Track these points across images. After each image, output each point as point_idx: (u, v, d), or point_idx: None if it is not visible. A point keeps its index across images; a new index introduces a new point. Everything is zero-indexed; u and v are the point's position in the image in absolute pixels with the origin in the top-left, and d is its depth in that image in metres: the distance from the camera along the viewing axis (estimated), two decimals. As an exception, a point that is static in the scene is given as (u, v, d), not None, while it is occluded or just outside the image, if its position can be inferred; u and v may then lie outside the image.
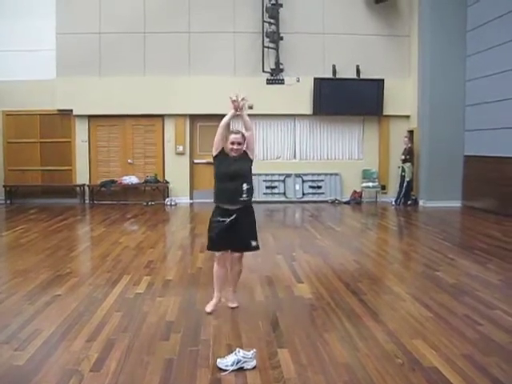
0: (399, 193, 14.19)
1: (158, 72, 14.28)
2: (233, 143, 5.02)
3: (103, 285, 6.17)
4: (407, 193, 14.11)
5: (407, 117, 14.87)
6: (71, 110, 14.45)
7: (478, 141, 12.92)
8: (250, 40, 14.30)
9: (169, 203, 14.36)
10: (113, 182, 14.55)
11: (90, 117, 14.67)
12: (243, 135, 5.09)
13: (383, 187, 15.02)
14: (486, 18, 12.42)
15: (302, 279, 6.46)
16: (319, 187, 14.99)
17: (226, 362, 3.85)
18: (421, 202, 13.98)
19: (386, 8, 14.54)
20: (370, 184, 14.90)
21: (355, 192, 14.86)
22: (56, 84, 14.22)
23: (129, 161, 14.89)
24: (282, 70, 14.27)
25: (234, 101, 5.03)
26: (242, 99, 5.03)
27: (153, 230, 10.36)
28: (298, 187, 14.91)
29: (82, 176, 14.75)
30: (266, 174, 14.72)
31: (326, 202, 14.74)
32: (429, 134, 13.73)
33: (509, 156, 11.59)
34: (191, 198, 14.90)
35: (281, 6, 14.09)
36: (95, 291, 5.90)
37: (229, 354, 3.95)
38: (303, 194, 14.94)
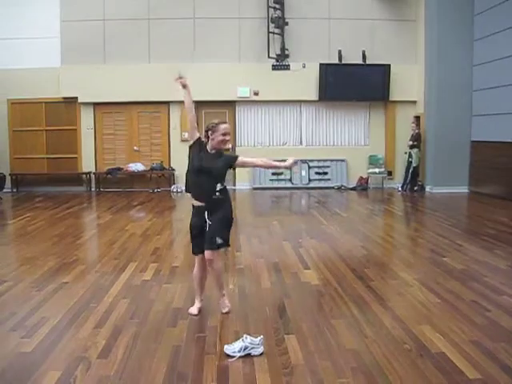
0: (406, 179, 14.11)
1: (162, 58, 14.16)
2: (225, 134, 4.57)
3: (110, 272, 6.18)
4: (414, 179, 14.03)
5: (414, 102, 14.72)
6: (76, 98, 14.40)
7: (485, 126, 12.80)
8: (255, 26, 14.16)
9: (175, 190, 14.34)
10: (119, 169, 14.55)
11: (96, 104, 14.63)
12: None
13: (389, 173, 14.93)
14: (493, 1, 12.23)
15: (308, 265, 6.45)
16: (325, 173, 14.93)
17: (234, 348, 3.85)
18: (427, 188, 13.91)
19: (392, -8, 14.39)
20: (377, 170, 14.82)
21: (361, 178, 14.79)
22: (61, 71, 14.17)
23: (135, 148, 14.87)
24: (287, 56, 14.13)
25: (180, 78, 4.66)
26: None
27: (159, 217, 10.36)
28: (304, 173, 14.86)
29: (87, 164, 14.75)
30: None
31: (332, 188, 14.68)
32: (435, 119, 13.62)
33: (516, 141, 11.51)
34: (197, 185, 14.86)
35: (286, -10, 13.97)
36: (102, 278, 5.91)
37: (236, 340, 3.96)
38: (309, 181, 14.89)
